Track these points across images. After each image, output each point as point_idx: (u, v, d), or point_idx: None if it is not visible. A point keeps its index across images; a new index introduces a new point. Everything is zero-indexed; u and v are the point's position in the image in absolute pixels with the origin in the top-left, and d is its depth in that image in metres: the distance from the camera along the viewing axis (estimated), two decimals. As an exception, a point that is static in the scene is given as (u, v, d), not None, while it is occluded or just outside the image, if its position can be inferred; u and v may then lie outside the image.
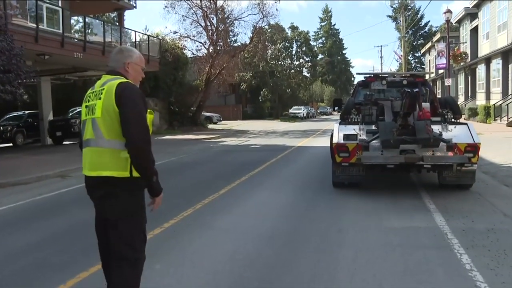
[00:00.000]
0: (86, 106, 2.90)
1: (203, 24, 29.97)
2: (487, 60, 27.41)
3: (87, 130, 2.85)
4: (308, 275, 4.11)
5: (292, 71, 53.54)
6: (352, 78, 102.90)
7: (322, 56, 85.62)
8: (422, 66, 66.31)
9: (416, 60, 71.50)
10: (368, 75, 9.33)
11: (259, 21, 31.71)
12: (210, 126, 33.13)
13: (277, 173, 10.23)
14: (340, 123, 7.92)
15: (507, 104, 22.66)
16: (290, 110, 51.97)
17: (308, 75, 62.29)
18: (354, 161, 7.27)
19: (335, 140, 7.43)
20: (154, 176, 2.80)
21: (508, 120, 21.66)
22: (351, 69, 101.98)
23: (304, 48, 60.20)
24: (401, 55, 52.61)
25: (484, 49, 28.47)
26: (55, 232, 5.79)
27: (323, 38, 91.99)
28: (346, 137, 7.42)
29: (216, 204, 7.09)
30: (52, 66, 18.30)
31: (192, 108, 31.61)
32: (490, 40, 27.31)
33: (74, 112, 21.21)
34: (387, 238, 5.15)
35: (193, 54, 31.79)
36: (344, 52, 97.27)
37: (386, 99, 9.13)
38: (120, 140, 2.72)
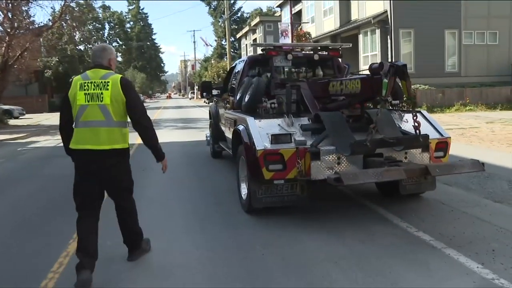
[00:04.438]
0: (85, 94, 3.63)
1: (-8, -9, 23.38)
2: (315, 43, 27.61)
3: (91, 113, 3.62)
4: None
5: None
6: (162, 64, 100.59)
7: (131, 42, 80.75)
8: (236, 51, 67.15)
9: (231, 44, 72.17)
10: (268, 48, 6.75)
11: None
12: (12, 122, 26.40)
13: (141, 193, 6.70)
14: (254, 117, 5.27)
15: (342, 86, 22.84)
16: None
17: (121, 59, 57.14)
18: (295, 176, 4.71)
19: (259, 146, 4.74)
20: (158, 144, 3.97)
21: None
22: (161, 55, 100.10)
23: (118, 31, 54.77)
24: (216, 40, 51.85)
25: (310, 33, 28.70)
26: None
27: (132, 23, 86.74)
28: (275, 138, 4.79)
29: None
30: None
31: (-14, 100, 24.85)
32: (316, 24, 27.60)
33: None
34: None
35: (-17, 31, 24.66)
36: (153, 37, 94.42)
37: (300, 79, 6.79)
38: (123, 120, 3.75)
